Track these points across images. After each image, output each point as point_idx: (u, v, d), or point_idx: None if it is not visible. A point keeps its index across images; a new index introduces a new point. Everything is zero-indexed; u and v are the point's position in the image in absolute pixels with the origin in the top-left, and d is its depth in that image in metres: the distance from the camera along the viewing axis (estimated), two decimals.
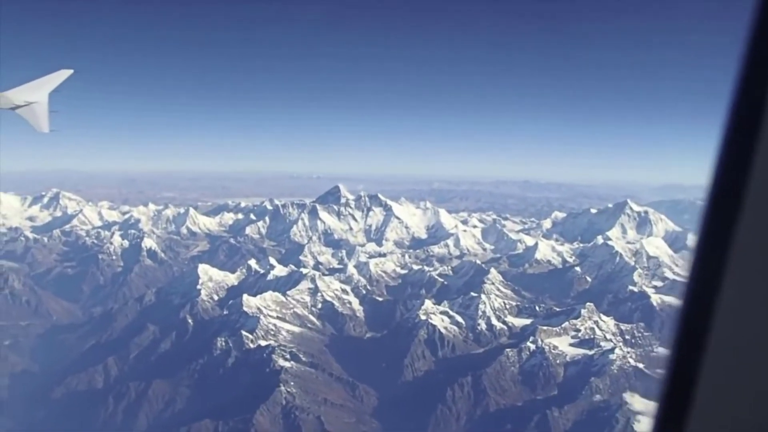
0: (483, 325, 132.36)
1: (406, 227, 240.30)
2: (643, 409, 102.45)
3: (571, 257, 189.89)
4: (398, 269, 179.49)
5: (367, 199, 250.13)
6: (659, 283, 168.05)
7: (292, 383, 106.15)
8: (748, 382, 2.03)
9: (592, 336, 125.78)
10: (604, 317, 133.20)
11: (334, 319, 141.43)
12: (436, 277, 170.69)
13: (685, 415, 2.13)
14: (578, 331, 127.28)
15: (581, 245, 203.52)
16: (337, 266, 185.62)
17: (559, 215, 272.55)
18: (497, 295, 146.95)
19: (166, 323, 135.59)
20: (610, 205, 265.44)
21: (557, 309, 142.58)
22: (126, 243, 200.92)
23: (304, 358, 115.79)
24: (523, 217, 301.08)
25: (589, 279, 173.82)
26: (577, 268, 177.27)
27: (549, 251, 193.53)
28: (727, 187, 2.03)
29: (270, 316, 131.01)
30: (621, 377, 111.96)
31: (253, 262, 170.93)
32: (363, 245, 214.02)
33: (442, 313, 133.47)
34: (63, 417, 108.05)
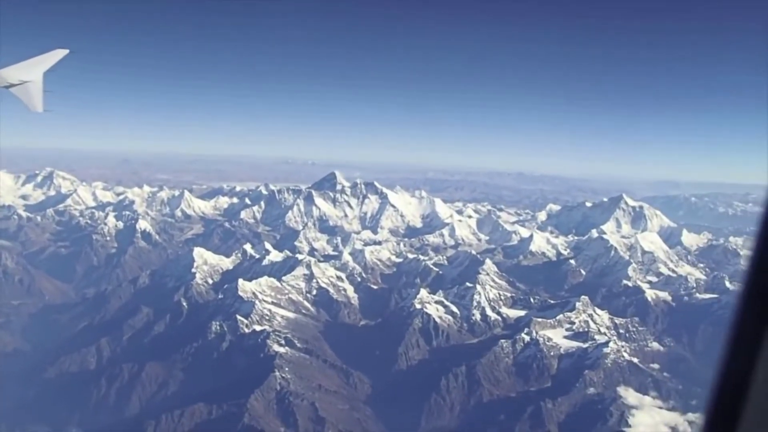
0: (478, 316, 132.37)
1: (402, 216, 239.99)
2: (636, 403, 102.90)
3: (565, 250, 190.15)
4: (393, 257, 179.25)
5: (363, 186, 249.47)
6: (654, 279, 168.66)
7: (286, 369, 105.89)
8: None
9: (586, 329, 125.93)
10: (598, 311, 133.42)
11: (329, 305, 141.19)
12: (431, 266, 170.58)
13: None
14: (572, 323, 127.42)
15: (576, 238, 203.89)
16: (332, 253, 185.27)
17: (554, 208, 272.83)
18: (492, 286, 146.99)
19: (160, 306, 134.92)
20: (605, 199, 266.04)
21: (552, 301, 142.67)
22: (120, 224, 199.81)
23: (298, 344, 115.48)
24: (518, 209, 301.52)
25: (583, 272, 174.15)
26: (572, 261, 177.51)
27: (544, 243, 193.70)
28: None
29: (265, 301, 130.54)
30: (615, 371, 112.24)
31: (248, 247, 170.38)
32: (358, 233, 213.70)
33: (437, 302, 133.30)
34: (55, 397, 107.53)
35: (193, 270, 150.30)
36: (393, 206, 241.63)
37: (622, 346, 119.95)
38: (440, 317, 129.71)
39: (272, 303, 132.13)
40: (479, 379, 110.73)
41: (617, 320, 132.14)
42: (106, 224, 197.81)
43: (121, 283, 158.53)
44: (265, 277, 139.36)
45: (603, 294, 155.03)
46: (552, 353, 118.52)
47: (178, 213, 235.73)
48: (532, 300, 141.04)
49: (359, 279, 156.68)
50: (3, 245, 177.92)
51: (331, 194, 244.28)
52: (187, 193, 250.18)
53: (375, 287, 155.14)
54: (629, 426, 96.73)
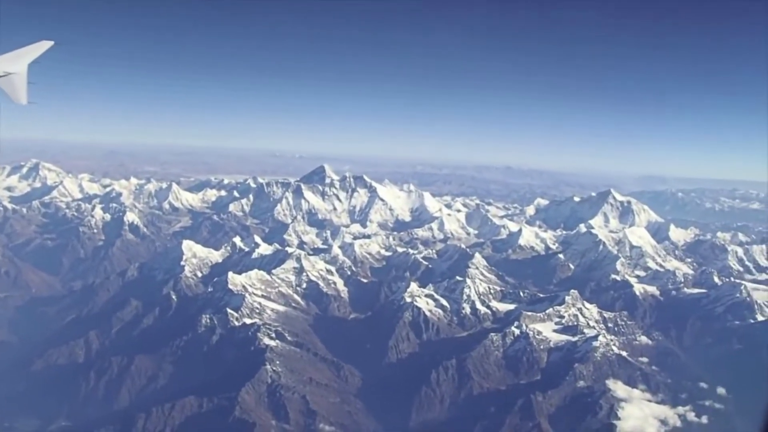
0: (467, 309, 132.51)
1: (390, 209, 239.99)
2: (625, 396, 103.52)
3: (554, 244, 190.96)
4: (383, 251, 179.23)
5: (351, 180, 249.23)
6: (642, 273, 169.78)
7: (277, 362, 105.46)
8: None
9: (575, 323, 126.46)
10: (587, 304, 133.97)
11: (319, 299, 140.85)
12: (421, 260, 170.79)
13: None
14: (562, 317, 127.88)
15: (564, 233, 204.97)
16: (321, 246, 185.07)
17: (542, 202, 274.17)
18: (481, 280, 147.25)
19: (149, 299, 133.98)
20: (593, 194, 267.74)
21: (541, 295, 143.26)
22: (107, 216, 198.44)
23: (289, 337, 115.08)
24: (506, 203, 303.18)
25: (572, 266, 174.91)
26: (560, 255, 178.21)
27: (532, 237, 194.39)
28: None
29: (255, 294, 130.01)
30: (604, 364, 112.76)
31: (237, 240, 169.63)
32: (347, 226, 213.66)
33: (427, 296, 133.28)
34: (43, 390, 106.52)
35: (182, 263, 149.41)
36: (382, 200, 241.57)
37: (611, 340, 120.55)
38: (430, 311, 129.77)
39: (262, 296, 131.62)
40: (469, 372, 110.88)
41: (606, 314, 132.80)
42: (93, 216, 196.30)
43: (109, 276, 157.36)
44: (255, 270, 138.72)
45: (592, 288, 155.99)
46: (542, 347, 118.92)
47: (166, 205, 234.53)
48: (521, 294, 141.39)
49: (349, 272, 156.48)
50: None
51: (320, 187, 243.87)
52: (174, 186, 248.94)
53: (365, 281, 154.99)
54: (618, 419, 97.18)
